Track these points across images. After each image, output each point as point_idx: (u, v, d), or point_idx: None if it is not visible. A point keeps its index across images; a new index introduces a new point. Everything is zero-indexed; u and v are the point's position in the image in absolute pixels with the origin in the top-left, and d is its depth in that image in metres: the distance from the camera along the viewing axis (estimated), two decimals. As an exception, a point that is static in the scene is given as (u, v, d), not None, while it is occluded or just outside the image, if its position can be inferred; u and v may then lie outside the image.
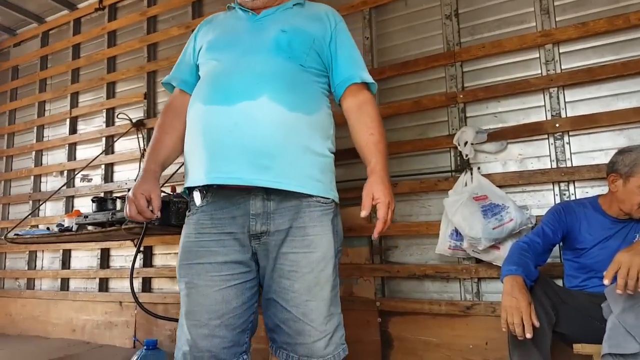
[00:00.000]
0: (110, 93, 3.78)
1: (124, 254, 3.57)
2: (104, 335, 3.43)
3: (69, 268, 3.81)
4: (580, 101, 2.16)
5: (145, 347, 2.41)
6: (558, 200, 2.15)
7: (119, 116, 3.50)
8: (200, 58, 1.38)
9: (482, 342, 2.21)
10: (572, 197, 2.13)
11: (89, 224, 2.60)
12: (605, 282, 1.34)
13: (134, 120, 3.41)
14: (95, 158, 3.52)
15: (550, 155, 2.20)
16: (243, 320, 1.23)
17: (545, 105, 2.22)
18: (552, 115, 2.19)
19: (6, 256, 4.28)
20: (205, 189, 1.24)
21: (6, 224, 4.19)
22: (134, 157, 3.47)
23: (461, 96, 2.39)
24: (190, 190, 1.28)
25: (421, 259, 2.49)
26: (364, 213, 1.21)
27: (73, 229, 2.67)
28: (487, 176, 2.25)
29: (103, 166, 3.67)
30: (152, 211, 1.25)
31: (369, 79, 1.36)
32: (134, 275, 2.53)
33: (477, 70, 2.40)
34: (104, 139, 3.72)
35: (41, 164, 4.18)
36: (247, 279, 1.24)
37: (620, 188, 1.68)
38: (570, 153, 2.16)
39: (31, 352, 3.27)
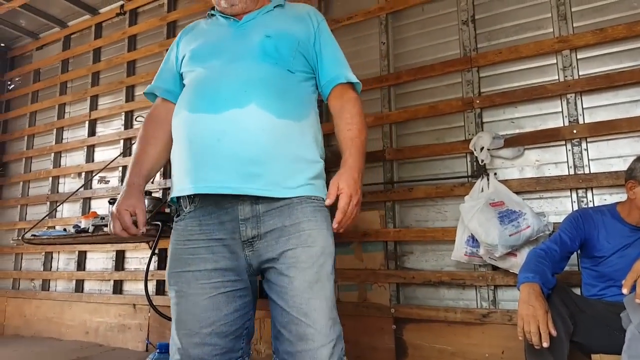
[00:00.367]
0: (130, 96, 3.94)
1: (138, 256, 3.69)
2: (117, 337, 3.53)
3: (84, 270, 3.95)
4: (598, 107, 2.21)
5: (158, 351, 2.45)
6: (576, 207, 2.18)
7: (137, 119, 3.65)
8: (184, 67, 1.38)
9: (498, 350, 2.24)
10: (590, 204, 2.16)
11: (105, 226, 2.69)
12: (624, 291, 1.34)
13: (151, 124, 3.54)
14: (113, 160, 3.66)
15: (567, 162, 2.24)
16: (236, 327, 1.22)
17: (562, 112, 2.27)
18: (569, 122, 2.23)
19: (22, 257, 4.46)
20: (193, 195, 1.23)
21: (23, 224, 4.37)
22: (151, 160, 3.59)
23: (478, 101, 2.45)
24: (178, 197, 1.28)
25: (437, 265, 2.53)
26: (327, 201, 1.20)
27: (89, 231, 2.77)
28: (504, 182, 2.30)
29: (120, 168, 3.82)
30: (137, 226, 1.25)
31: (353, 78, 1.38)
32: (149, 278, 2.63)
33: (493, 75, 2.46)
34: (122, 141, 3.87)
35: (59, 165, 4.36)
36: (238, 287, 1.22)
37: (638, 195, 1.70)
38: (588, 159, 2.19)
39: (44, 354, 3.38)
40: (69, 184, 4.26)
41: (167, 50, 1.53)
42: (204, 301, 1.19)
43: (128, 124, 3.89)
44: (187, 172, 1.21)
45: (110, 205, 2.75)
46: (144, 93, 1.51)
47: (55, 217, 4.18)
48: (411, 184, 2.62)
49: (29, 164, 4.62)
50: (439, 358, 2.39)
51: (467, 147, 2.42)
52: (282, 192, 1.18)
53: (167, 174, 3.45)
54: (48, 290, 4.13)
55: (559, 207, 2.25)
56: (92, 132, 4.15)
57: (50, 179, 4.34)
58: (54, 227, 3.97)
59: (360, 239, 2.72)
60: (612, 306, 1.64)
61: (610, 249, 1.79)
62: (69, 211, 4.18)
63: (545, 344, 1.41)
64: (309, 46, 1.34)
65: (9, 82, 4.99)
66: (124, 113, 3.92)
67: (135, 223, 1.25)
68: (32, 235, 3.07)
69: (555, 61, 2.31)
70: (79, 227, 2.96)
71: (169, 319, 2.37)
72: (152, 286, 3.40)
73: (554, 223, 2.16)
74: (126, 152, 3.79)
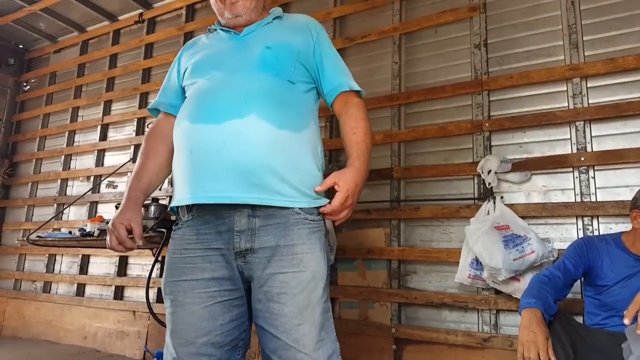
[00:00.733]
0: (143, 103, 4.08)
1: (142, 263, 3.78)
2: (114, 344, 3.60)
3: (86, 274, 4.04)
4: (607, 136, 2.27)
5: (155, 359, 2.51)
6: (581, 235, 2.23)
7: (149, 126, 3.78)
8: (186, 80, 1.42)
9: (498, 376, 2.27)
10: (596, 233, 2.21)
11: (111, 230, 2.78)
12: (626, 321, 1.36)
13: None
14: (123, 165, 3.78)
15: (574, 189, 2.30)
16: (232, 338, 1.24)
17: (571, 138, 2.34)
18: (577, 149, 2.30)
19: (26, 258, 4.57)
20: (192, 204, 1.26)
21: (29, 225, 4.49)
22: (160, 167, 3.71)
23: (487, 124, 2.53)
24: (177, 207, 1.31)
25: (440, 286, 2.58)
26: (318, 188, 1.25)
27: (94, 234, 2.86)
28: (510, 206, 2.36)
29: (129, 174, 3.93)
30: (134, 240, 1.29)
31: (355, 86, 1.42)
32: (150, 285, 2.70)
33: (503, 99, 2.55)
34: (132, 147, 4.00)
35: (69, 168, 4.50)
36: (234, 296, 1.25)
37: (643, 225, 1.75)
38: (595, 187, 2.25)
39: (41, 357, 3.45)
40: (77, 187, 4.39)
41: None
42: (200, 310, 1.21)
43: (140, 130, 4.03)
44: (187, 182, 1.25)
45: (117, 210, 2.83)
46: (148, 109, 1.57)
47: (61, 220, 4.30)
48: (417, 204, 2.69)
49: (39, 165, 4.78)
50: (438, 381, 2.42)
51: (474, 170, 2.49)
52: (279, 201, 1.21)
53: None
54: (49, 292, 4.23)
55: (564, 234, 2.30)
56: (103, 137, 4.30)
57: (59, 181, 4.47)
58: (59, 229, 4.09)
59: (364, 256, 2.78)
60: (613, 336, 1.67)
61: (614, 279, 1.82)
62: (76, 214, 4.30)
63: None
64: (309, 56, 1.39)
65: (25, 84, 5.18)
66: (136, 119, 4.06)
67: (132, 236, 1.30)
68: (37, 236, 3.15)
69: (565, 88, 2.39)
70: (85, 230, 3.04)
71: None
72: (153, 293, 3.46)
73: (559, 249, 2.20)
74: (136, 158, 3.90)
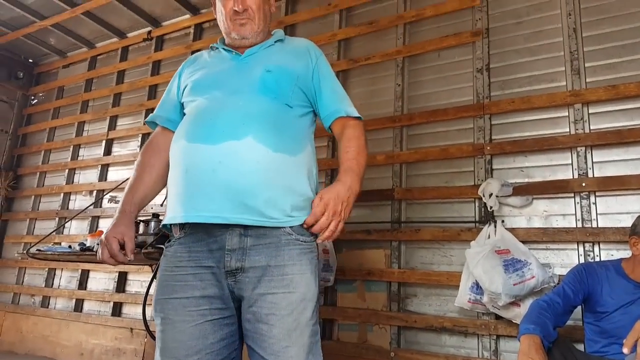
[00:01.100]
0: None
1: (140, 279, 3.83)
2: (110, 361, 3.62)
3: (85, 289, 4.10)
4: (608, 162, 2.32)
5: None
6: (582, 261, 2.26)
7: (152, 141, 3.86)
8: (185, 97, 1.45)
9: (497, 404, 2.27)
10: (597, 259, 2.24)
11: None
12: (625, 350, 1.38)
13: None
14: (125, 180, 3.84)
15: (575, 214, 2.33)
16: (222, 357, 1.25)
17: (572, 164, 2.39)
18: (579, 174, 2.35)
19: (25, 271, 4.64)
20: (184, 222, 1.28)
21: (30, 238, 4.57)
22: (163, 183, 3.80)
23: (488, 148, 2.58)
24: (170, 224, 1.33)
25: (440, 310, 2.60)
26: (308, 219, 1.27)
27: (94, 249, 2.92)
28: (511, 230, 2.39)
29: (130, 188, 4.00)
30: (125, 254, 1.31)
31: (353, 112, 1.45)
32: (148, 302, 2.75)
33: (505, 123, 2.61)
34: (139, 155, 4.07)
35: (72, 182, 4.60)
36: (225, 315, 1.26)
37: (641, 251, 1.78)
38: (596, 213, 2.29)
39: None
40: (79, 201, 4.48)
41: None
42: (190, 329, 1.22)
43: (144, 145, 4.11)
44: (180, 200, 1.27)
45: (110, 223, 2.90)
46: (145, 122, 1.61)
47: (62, 234, 4.39)
48: (418, 225, 2.73)
49: (43, 179, 4.89)
50: (437, 408, 2.42)
51: (475, 193, 2.53)
52: (271, 222, 1.24)
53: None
54: (47, 307, 4.28)
55: (565, 260, 2.32)
56: (107, 152, 4.40)
57: (62, 194, 4.57)
58: (60, 243, 4.16)
59: (364, 277, 2.81)
60: (614, 365, 1.70)
61: (614, 305, 1.84)
62: (77, 228, 4.38)
63: None
64: (307, 81, 1.43)
65: (33, 97, 5.34)
66: (141, 135, 4.16)
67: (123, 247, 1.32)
68: (38, 250, 3.22)
69: (567, 114, 2.45)
70: (85, 245, 3.10)
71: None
72: (150, 311, 3.48)
73: (560, 275, 2.23)
74: (139, 173, 3.99)
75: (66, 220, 4.33)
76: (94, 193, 4.34)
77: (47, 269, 4.38)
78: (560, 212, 2.39)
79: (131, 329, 3.60)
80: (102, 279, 4.05)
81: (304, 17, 3.55)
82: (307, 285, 1.26)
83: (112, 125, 4.46)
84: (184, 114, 1.45)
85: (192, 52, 4.03)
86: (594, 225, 2.28)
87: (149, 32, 4.41)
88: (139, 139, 4.18)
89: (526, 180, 2.48)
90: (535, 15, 2.64)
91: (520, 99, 2.55)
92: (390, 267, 2.76)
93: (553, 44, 2.56)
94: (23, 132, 5.23)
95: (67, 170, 4.63)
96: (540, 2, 2.64)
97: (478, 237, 2.44)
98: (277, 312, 1.21)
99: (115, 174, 4.29)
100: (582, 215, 2.31)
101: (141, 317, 2.75)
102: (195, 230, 1.28)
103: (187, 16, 4.19)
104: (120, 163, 4.28)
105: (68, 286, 4.24)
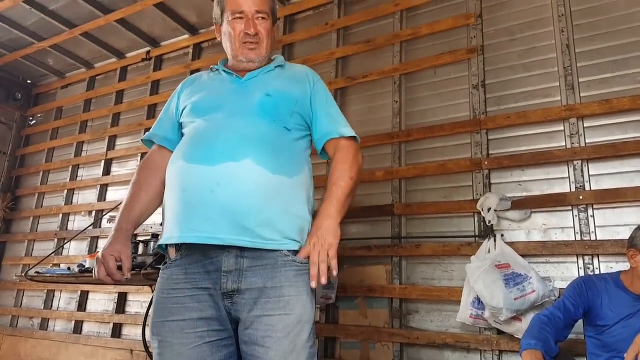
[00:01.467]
0: (147, 137, 4.26)
1: (140, 300, 3.86)
2: (110, 384, 3.64)
3: (84, 310, 4.13)
4: (605, 175, 2.38)
5: None
6: (582, 274, 2.31)
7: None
8: (184, 117, 1.48)
9: (501, 420, 2.30)
10: (597, 271, 2.29)
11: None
12: None
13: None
14: (125, 200, 3.91)
15: (574, 227, 2.39)
16: None
17: (569, 177, 2.45)
18: (576, 187, 2.41)
19: (24, 294, 4.67)
20: (180, 243, 1.30)
21: (29, 260, 4.62)
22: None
23: (486, 162, 2.65)
24: (166, 245, 1.35)
25: (442, 326, 2.64)
26: (301, 254, 1.29)
27: (94, 267, 2.96)
28: (511, 244, 2.45)
29: (129, 207, 4.06)
30: (122, 272, 1.32)
31: (347, 132, 1.47)
32: (148, 323, 2.77)
33: (502, 138, 2.68)
34: (136, 173, 4.13)
35: (71, 202, 4.66)
36: (223, 336, 1.28)
37: (640, 264, 1.84)
38: (595, 226, 2.34)
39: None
40: (78, 222, 4.53)
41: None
42: (188, 351, 1.23)
43: (143, 165, 4.18)
44: (177, 221, 1.29)
45: (106, 241, 2.93)
46: (141, 140, 1.62)
47: (61, 255, 4.43)
48: (418, 240, 2.79)
49: (41, 200, 4.95)
50: None
51: (474, 207, 2.59)
52: (267, 244, 1.26)
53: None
54: (46, 329, 4.30)
55: (565, 273, 2.37)
56: (106, 171, 4.47)
57: (61, 215, 4.63)
58: (58, 265, 4.20)
59: (365, 294, 2.85)
60: (616, 378, 1.74)
61: (614, 318, 1.88)
62: (76, 249, 4.43)
63: None
64: (305, 105, 1.48)
65: (31, 118, 5.43)
66: (140, 154, 4.23)
67: (120, 268, 1.32)
68: (36, 272, 3.24)
69: (562, 128, 2.52)
70: (83, 266, 3.14)
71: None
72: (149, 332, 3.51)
73: (560, 288, 2.28)
74: (138, 192, 4.05)
75: (65, 241, 4.38)
76: (93, 213, 4.40)
77: (45, 291, 4.41)
78: (559, 225, 2.44)
79: (131, 350, 3.62)
80: (101, 300, 4.08)
81: (301, 36, 3.66)
82: (304, 307, 1.28)
83: (110, 145, 4.54)
84: (182, 134, 1.48)
85: (191, 72, 4.15)
86: (593, 237, 2.33)
87: (148, 52, 4.52)
88: (138, 158, 4.26)
89: (524, 194, 2.55)
90: (528, 32, 2.74)
91: (516, 114, 2.63)
92: (391, 283, 2.81)
93: (547, 59, 2.65)
94: (21, 153, 5.31)
95: (65, 191, 4.69)
96: (533, 20, 2.74)
97: (478, 252, 2.49)
98: (273, 335, 1.22)
99: (114, 194, 4.35)
100: (580, 228, 2.37)
101: (141, 338, 2.78)
102: (191, 251, 1.30)
103: (186, 36, 4.30)
104: (119, 183, 4.35)
105: (67, 308, 4.27)
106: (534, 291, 2.25)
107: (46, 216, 4.83)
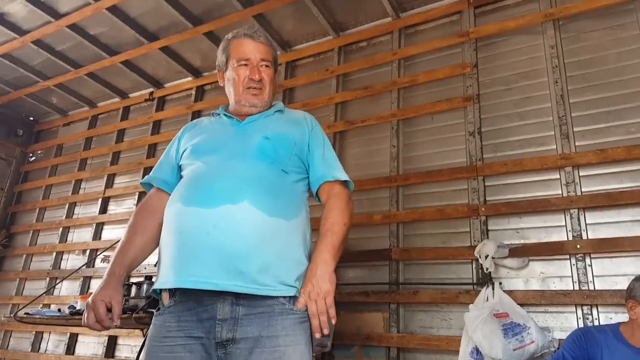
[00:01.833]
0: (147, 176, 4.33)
1: (131, 344, 3.82)
2: None
3: (72, 354, 4.07)
4: (602, 224, 2.43)
5: None
6: (581, 324, 2.32)
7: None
8: (184, 160, 1.51)
9: None
10: (596, 322, 2.29)
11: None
12: None
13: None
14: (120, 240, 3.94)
15: (572, 277, 2.42)
16: None
17: (566, 225, 2.50)
18: (573, 236, 2.45)
19: (11, 335, 4.62)
20: (175, 289, 1.30)
21: (19, 299, 4.60)
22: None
23: (483, 209, 2.71)
24: (160, 289, 1.34)
25: (441, 376, 2.62)
26: (299, 305, 1.28)
27: (83, 312, 2.94)
28: (509, 293, 2.46)
29: (124, 248, 4.08)
30: (112, 319, 1.29)
31: (341, 177, 1.50)
32: (138, 369, 2.74)
33: (499, 185, 2.75)
34: (132, 216, 4.18)
35: (66, 240, 4.69)
36: None
37: (640, 315, 1.86)
38: (593, 275, 2.37)
39: None
40: (72, 261, 4.55)
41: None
42: None
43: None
44: (173, 264, 1.29)
45: (98, 286, 2.93)
46: (140, 183, 1.65)
47: (52, 295, 4.41)
48: (416, 287, 2.80)
49: (36, 237, 4.99)
50: None
51: (472, 254, 2.62)
52: (264, 290, 1.25)
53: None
54: (32, 374, 4.22)
55: (564, 323, 2.38)
56: (103, 210, 4.53)
57: (54, 254, 4.65)
58: (49, 306, 4.19)
59: (362, 342, 2.84)
60: None
61: (615, 372, 1.89)
62: (68, 289, 4.42)
63: None
64: (303, 148, 1.51)
65: (31, 155, 5.54)
66: (137, 193, 4.30)
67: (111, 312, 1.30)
68: (26, 313, 3.24)
69: (558, 176, 2.60)
70: (74, 308, 3.13)
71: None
72: (140, 378, 3.47)
73: (559, 339, 2.28)
74: (135, 232, 4.09)
75: (57, 282, 4.38)
76: (87, 252, 4.42)
77: (34, 332, 4.37)
78: (557, 274, 2.47)
79: (119, 397, 3.56)
80: (91, 343, 4.04)
81: (302, 81, 3.81)
82: (301, 357, 1.27)
83: (109, 183, 4.62)
84: (181, 177, 1.51)
85: (193, 113, 4.29)
86: (591, 287, 2.35)
87: (151, 93, 4.68)
88: (136, 197, 4.33)
89: (522, 241, 2.59)
90: (524, 82, 2.86)
91: (512, 162, 2.71)
92: (389, 331, 2.80)
93: (542, 109, 2.76)
94: (19, 190, 5.39)
95: (61, 229, 4.73)
96: (528, 70, 2.87)
97: (476, 300, 2.50)
98: None
99: (110, 233, 4.39)
100: (578, 277, 2.39)
101: (130, 384, 2.74)
102: (185, 298, 1.29)
103: (190, 78, 4.46)
104: (115, 221, 4.39)
105: (55, 351, 4.21)
106: (533, 342, 2.25)
107: (39, 254, 4.84)
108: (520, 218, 2.63)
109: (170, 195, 1.46)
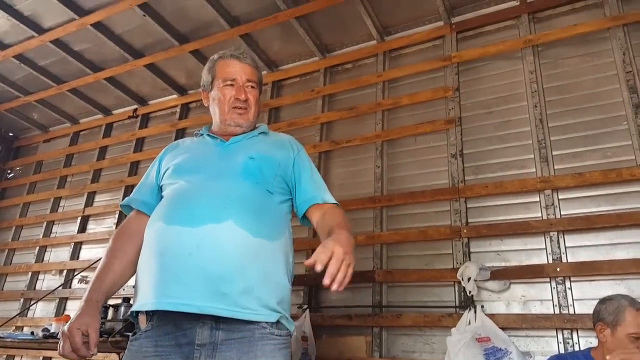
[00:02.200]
0: (128, 195, 4.28)
1: (106, 368, 3.75)
2: None
3: (45, 378, 3.99)
4: (581, 247, 2.50)
5: None
6: (562, 349, 2.36)
7: (130, 220, 3.98)
8: (165, 179, 1.51)
9: None
10: (576, 347, 2.33)
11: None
12: None
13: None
14: (98, 260, 3.90)
15: (552, 300, 2.46)
16: None
17: (546, 248, 2.56)
18: (553, 259, 2.51)
19: (-19, 358, 4.50)
20: (152, 311, 1.28)
21: (-10, 321, 4.50)
22: (138, 263, 3.86)
23: (465, 231, 2.77)
24: (137, 312, 1.32)
25: (424, 403, 2.63)
26: (309, 261, 1.10)
27: (58, 337, 2.90)
28: (491, 316, 2.50)
29: (103, 269, 4.04)
30: (89, 347, 1.26)
31: (330, 200, 1.51)
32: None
33: (480, 207, 2.82)
34: (111, 240, 4.16)
35: (42, 260, 4.64)
36: None
37: (609, 338, 1.89)
38: (573, 299, 2.42)
39: None
40: (47, 281, 4.49)
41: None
42: None
43: (121, 223, 4.20)
44: (152, 285, 1.27)
45: (74, 313, 2.90)
46: (120, 205, 1.64)
47: (26, 316, 4.34)
48: (399, 310, 2.83)
49: (11, 256, 4.92)
50: None
51: (455, 276, 2.66)
52: (246, 314, 1.24)
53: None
54: (0, 399, 4.12)
55: (545, 347, 2.42)
56: (82, 229, 4.50)
57: (30, 274, 4.58)
58: (22, 328, 4.11)
59: (343, 367, 2.84)
60: None
61: (587, 397, 1.93)
62: (43, 310, 4.35)
63: None
64: (288, 170, 1.53)
65: (9, 171, 5.50)
66: (118, 212, 4.28)
67: (87, 343, 1.27)
68: (-3, 336, 3.19)
69: (538, 199, 2.67)
70: (48, 331, 3.08)
71: None
72: (115, 403, 3.41)
73: (540, 364, 2.31)
74: (114, 252, 4.06)
75: (31, 303, 4.31)
76: (64, 272, 4.37)
77: (4, 357, 4.26)
78: (538, 297, 2.52)
79: None
80: (64, 367, 3.96)
81: (288, 100, 3.88)
82: None
83: (89, 202, 4.60)
84: (162, 197, 1.50)
85: (178, 130, 4.32)
86: (571, 311, 2.40)
87: (135, 110, 4.70)
88: (116, 216, 4.31)
89: (503, 264, 2.64)
90: (504, 106, 2.96)
91: (493, 184, 2.78)
92: (371, 355, 2.80)
93: (521, 132, 2.85)
94: (-5, 207, 5.33)
95: (37, 248, 4.68)
96: (508, 95, 2.97)
97: (459, 324, 2.53)
98: None
99: (89, 253, 4.36)
100: (559, 300, 2.44)
101: (104, 411, 2.70)
102: (163, 321, 1.27)
103: (174, 96, 4.50)
104: (94, 241, 4.37)
105: (27, 375, 4.13)
106: (514, 366, 2.28)
107: (14, 274, 4.78)
108: (502, 240, 2.69)
109: (149, 217, 1.45)
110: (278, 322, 1.30)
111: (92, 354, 1.28)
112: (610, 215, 2.44)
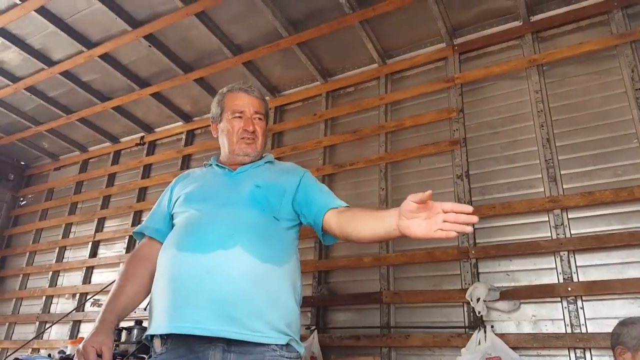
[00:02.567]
0: (137, 220, 4.28)
1: (120, 392, 3.65)
2: None
3: (60, 402, 3.88)
4: (592, 266, 2.40)
5: None
6: (576, 369, 2.25)
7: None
8: (177, 208, 1.53)
9: None
10: (590, 367, 2.23)
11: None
12: None
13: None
14: (110, 284, 3.82)
15: (564, 319, 2.36)
16: None
17: (556, 268, 2.46)
18: (564, 279, 2.41)
19: (-3, 382, 4.41)
20: (167, 335, 1.29)
21: (8, 344, 4.44)
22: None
23: (473, 252, 2.67)
24: (152, 336, 1.33)
25: None
26: (416, 197, 1.06)
27: (74, 358, 2.84)
28: (501, 336, 2.40)
29: (115, 293, 3.97)
30: None
31: (343, 204, 1.47)
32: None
33: (488, 228, 2.71)
34: (121, 264, 4.09)
35: (56, 284, 4.57)
36: None
37: (630, 361, 1.80)
38: (585, 318, 2.32)
39: None
40: (62, 305, 4.42)
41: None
42: None
43: (130, 247, 4.16)
44: (165, 310, 1.29)
45: (89, 333, 2.85)
46: (133, 233, 1.66)
47: (42, 339, 4.25)
48: (408, 331, 2.73)
49: (26, 281, 4.85)
50: None
51: (463, 297, 2.56)
52: (256, 337, 1.24)
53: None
54: None
55: (558, 368, 2.31)
56: (93, 254, 4.42)
57: (44, 298, 4.51)
58: (38, 350, 4.03)
59: (355, 389, 2.74)
60: None
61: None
62: (57, 333, 4.27)
63: None
64: (294, 193, 1.53)
65: (22, 199, 5.44)
66: (127, 236, 4.22)
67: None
68: (15, 358, 3.13)
69: (547, 219, 2.57)
70: (64, 353, 3.03)
71: None
72: None
73: (554, 385, 2.21)
74: (125, 277, 3.99)
75: (47, 327, 4.22)
76: (77, 296, 4.31)
77: (21, 381, 4.17)
78: (549, 317, 2.41)
79: None
80: (79, 392, 3.85)
81: (291, 125, 3.80)
82: None
83: (99, 227, 4.54)
84: (173, 225, 1.52)
85: (184, 157, 4.26)
86: (584, 330, 2.30)
87: (142, 137, 4.65)
88: (126, 240, 4.24)
89: (512, 284, 2.54)
90: (510, 126, 2.86)
91: (501, 205, 2.68)
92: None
93: (529, 152, 2.74)
94: (9, 234, 5.28)
95: (50, 273, 4.61)
96: (514, 115, 2.87)
97: (468, 344, 2.44)
98: None
99: (100, 277, 4.29)
100: (570, 320, 2.34)
101: None
102: (176, 344, 1.28)
103: (180, 123, 4.45)
104: (105, 265, 4.30)
105: (42, 400, 4.02)
106: (528, 389, 2.18)
107: (29, 298, 4.70)
108: (511, 260, 2.59)
109: (161, 243, 1.48)
110: (288, 344, 1.30)
111: None
112: (622, 234, 2.34)
